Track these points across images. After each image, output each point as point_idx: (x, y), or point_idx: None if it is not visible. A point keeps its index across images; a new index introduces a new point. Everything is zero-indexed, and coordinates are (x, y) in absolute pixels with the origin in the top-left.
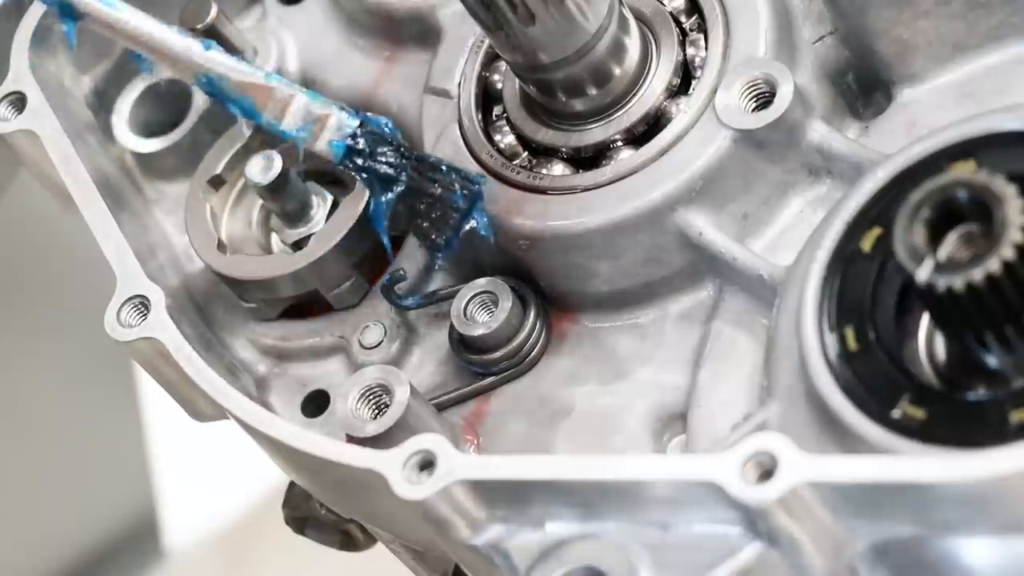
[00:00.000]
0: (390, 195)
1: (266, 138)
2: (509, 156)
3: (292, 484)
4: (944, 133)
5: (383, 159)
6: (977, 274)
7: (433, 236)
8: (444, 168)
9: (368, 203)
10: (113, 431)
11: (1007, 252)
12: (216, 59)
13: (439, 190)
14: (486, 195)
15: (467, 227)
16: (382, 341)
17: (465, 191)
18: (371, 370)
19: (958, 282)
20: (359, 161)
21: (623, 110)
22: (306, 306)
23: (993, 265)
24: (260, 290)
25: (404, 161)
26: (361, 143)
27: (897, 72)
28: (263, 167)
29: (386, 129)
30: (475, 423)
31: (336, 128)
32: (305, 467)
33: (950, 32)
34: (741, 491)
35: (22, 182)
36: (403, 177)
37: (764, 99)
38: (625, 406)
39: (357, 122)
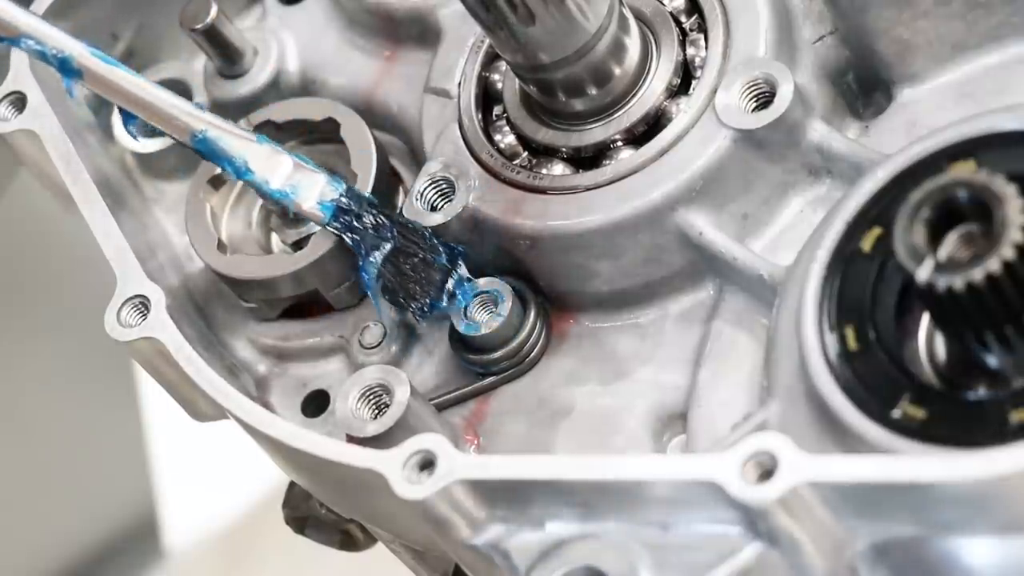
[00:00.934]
0: (378, 254)
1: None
2: (509, 156)
3: (292, 484)
4: (944, 133)
5: (370, 220)
6: (977, 274)
7: (416, 297)
8: (427, 234)
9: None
10: (113, 431)
11: (1007, 252)
12: (210, 120)
13: (424, 252)
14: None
15: (448, 288)
16: (382, 341)
17: (448, 255)
18: (371, 370)
19: (958, 282)
20: (347, 220)
21: (623, 110)
22: (306, 306)
23: (993, 265)
24: (260, 290)
25: (390, 223)
26: (349, 204)
27: (897, 72)
28: None
29: (370, 197)
30: (475, 423)
31: (323, 190)
32: (305, 467)
33: (950, 32)
34: (741, 491)
35: (22, 182)
36: (390, 236)
37: (764, 99)
38: (625, 406)
39: (344, 186)
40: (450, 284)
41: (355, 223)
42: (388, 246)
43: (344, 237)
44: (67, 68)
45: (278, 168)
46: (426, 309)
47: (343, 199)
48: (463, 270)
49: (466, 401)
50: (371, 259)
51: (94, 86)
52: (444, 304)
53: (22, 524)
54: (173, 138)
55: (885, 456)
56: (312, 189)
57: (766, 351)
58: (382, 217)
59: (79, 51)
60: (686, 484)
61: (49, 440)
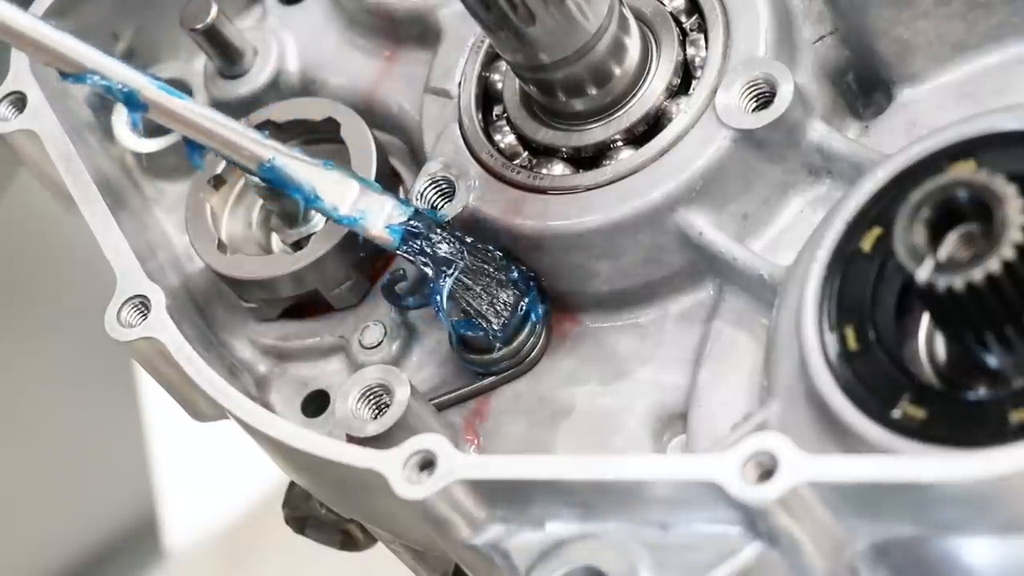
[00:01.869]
0: (448, 277)
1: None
2: (509, 156)
3: (292, 484)
4: (944, 133)
5: (440, 242)
6: (977, 274)
7: (491, 318)
8: (499, 254)
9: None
10: (113, 431)
11: (1007, 252)
12: (277, 147)
13: (496, 271)
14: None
15: (521, 311)
16: (382, 341)
17: (520, 275)
18: (371, 370)
19: (958, 282)
20: (418, 244)
21: (623, 110)
22: (306, 306)
23: (993, 265)
24: (260, 290)
25: (461, 245)
26: (418, 227)
27: (897, 72)
28: None
29: (439, 218)
30: (475, 423)
31: (391, 215)
32: (305, 467)
33: (950, 32)
34: (741, 491)
35: (22, 182)
36: (460, 259)
37: (764, 99)
38: (625, 406)
39: (412, 209)
40: (523, 305)
41: (425, 246)
42: (459, 267)
43: (415, 261)
44: (133, 102)
45: (346, 194)
46: (499, 331)
47: (412, 223)
48: (535, 291)
49: (466, 401)
50: (442, 282)
51: (160, 118)
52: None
53: (22, 524)
54: (241, 167)
55: (885, 456)
56: (380, 214)
57: (766, 351)
58: (452, 239)
59: (144, 85)
60: (686, 484)
61: (49, 440)
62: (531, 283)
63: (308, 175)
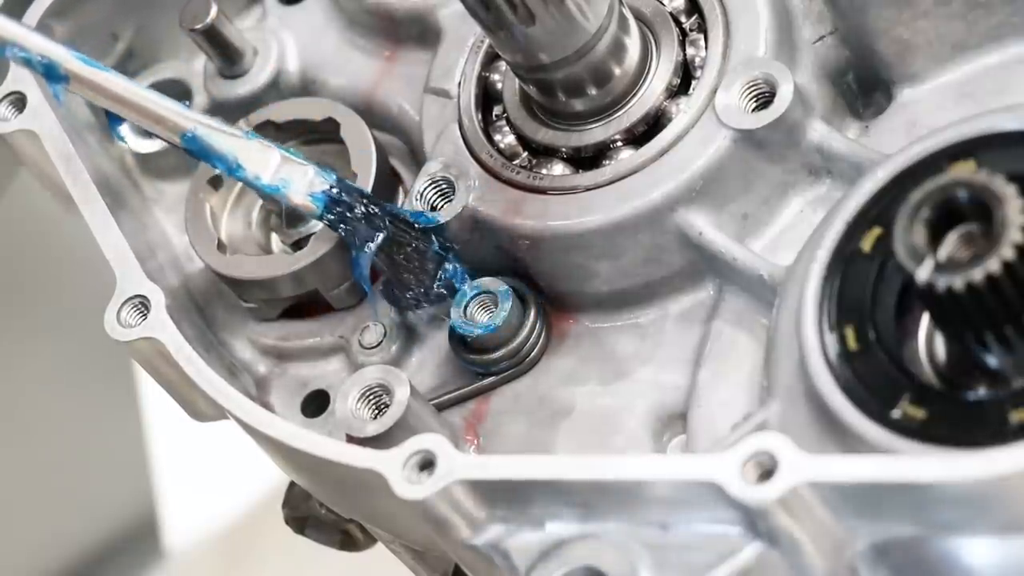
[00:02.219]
0: (371, 245)
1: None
2: (509, 156)
3: (292, 484)
4: (944, 133)
5: (362, 211)
6: (977, 274)
7: (411, 287)
8: (418, 224)
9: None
10: (113, 431)
11: (1007, 252)
12: (198, 119)
13: (416, 242)
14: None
15: (443, 277)
16: (382, 341)
17: (441, 243)
18: (371, 370)
19: (958, 282)
20: (340, 212)
21: (623, 110)
22: (306, 306)
23: (993, 265)
24: (260, 290)
25: (383, 213)
26: (340, 194)
27: (897, 72)
28: None
29: (362, 188)
30: (475, 423)
31: (313, 182)
32: (305, 467)
33: (950, 32)
34: (741, 491)
35: (22, 182)
36: (383, 227)
37: (764, 99)
38: (625, 406)
39: (334, 177)
40: (446, 275)
41: (347, 214)
42: (381, 236)
43: (338, 229)
44: (53, 74)
45: (268, 163)
46: (420, 300)
47: (334, 190)
48: (455, 261)
49: (466, 401)
50: (364, 250)
51: (81, 91)
52: (438, 293)
53: (22, 524)
54: (163, 139)
55: (885, 456)
56: (302, 182)
57: (766, 351)
58: (374, 207)
59: (64, 56)
60: (686, 484)
61: (49, 440)
62: (450, 254)
63: (230, 145)
